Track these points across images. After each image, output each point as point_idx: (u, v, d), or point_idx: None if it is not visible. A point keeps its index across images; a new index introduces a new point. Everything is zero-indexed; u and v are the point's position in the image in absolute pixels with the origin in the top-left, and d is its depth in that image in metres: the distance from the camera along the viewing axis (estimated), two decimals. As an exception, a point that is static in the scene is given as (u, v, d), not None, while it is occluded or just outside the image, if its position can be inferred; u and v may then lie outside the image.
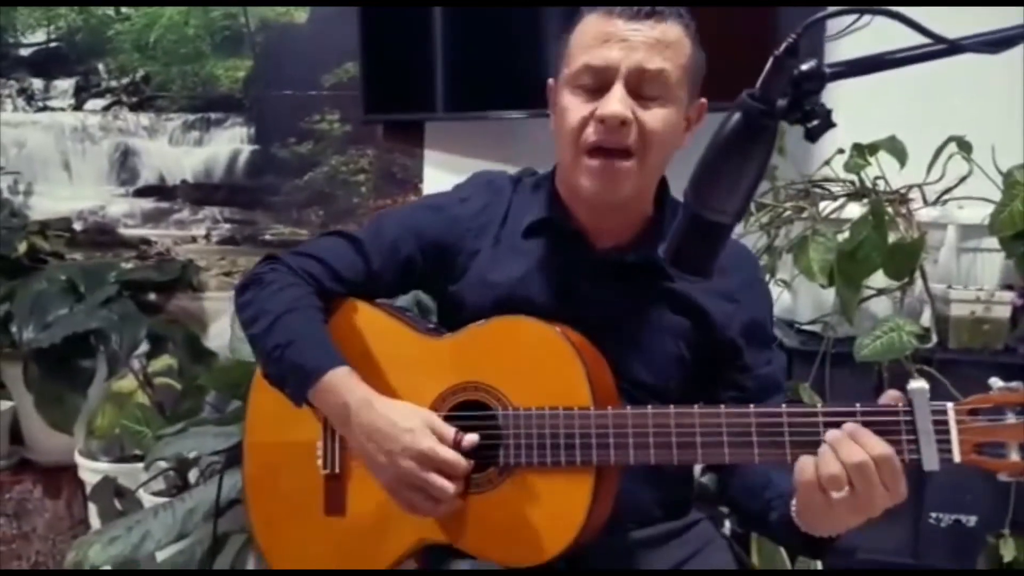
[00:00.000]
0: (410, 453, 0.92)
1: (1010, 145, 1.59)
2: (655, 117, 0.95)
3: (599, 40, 0.95)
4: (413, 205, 1.18)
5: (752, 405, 0.88)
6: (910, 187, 1.60)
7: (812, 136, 0.69)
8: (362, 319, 1.08)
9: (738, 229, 1.69)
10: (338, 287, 1.08)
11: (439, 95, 2.08)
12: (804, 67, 0.68)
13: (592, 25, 0.97)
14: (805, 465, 0.80)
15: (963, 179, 1.57)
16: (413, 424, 0.94)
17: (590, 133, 0.96)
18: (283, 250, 1.13)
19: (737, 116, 0.70)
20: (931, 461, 0.79)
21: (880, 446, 0.78)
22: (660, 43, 0.94)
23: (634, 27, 0.94)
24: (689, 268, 0.79)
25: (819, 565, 1.48)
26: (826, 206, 1.60)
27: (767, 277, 1.68)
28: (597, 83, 0.95)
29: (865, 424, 0.79)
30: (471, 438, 0.94)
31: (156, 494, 1.87)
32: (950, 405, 0.79)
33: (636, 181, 0.98)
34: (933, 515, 1.55)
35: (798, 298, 1.72)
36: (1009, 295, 1.53)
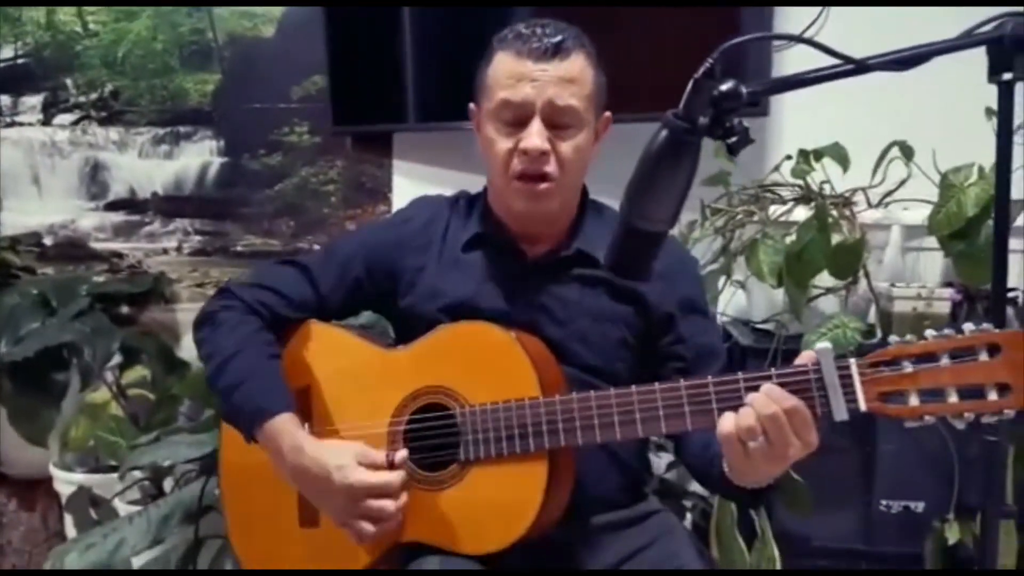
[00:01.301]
0: (343, 489, 1.00)
1: (951, 148, 1.66)
2: (569, 146, 1.08)
3: (513, 79, 1.06)
4: (359, 230, 1.29)
5: (682, 380, 0.95)
6: (854, 190, 1.68)
7: (732, 151, 0.75)
8: (321, 339, 1.15)
9: (695, 232, 1.79)
10: (291, 313, 1.15)
11: (410, 106, 2.13)
12: (723, 88, 0.74)
13: (505, 64, 1.07)
14: (726, 419, 0.88)
15: (903, 182, 1.65)
16: (343, 461, 1.01)
17: (516, 163, 1.07)
18: (259, 262, 1.18)
19: (663, 134, 0.76)
20: (840, 411, 0.86)
21: (789, 399, 0.85)
22: (566, 80, 1.05)
23: (542, 67, 1.05)
24: (629, 274, 0.86)
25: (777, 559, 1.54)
26: (775, 210, 1.67)
27: (723, 278, 1.76)
28: (516, 118, 1.07)
29: (780, 384, 0.87)
30: (401, 454, 1.02)
31: (132, 503, 1.89)
32: (853, 360, 0.87)
33: (559, 198, 1.11)
34: (883, 502, 1.62)
35: (752, 298, 1.80)
36: (948, 292, 1.61)
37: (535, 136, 1.04)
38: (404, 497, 1.01)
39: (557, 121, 1.06)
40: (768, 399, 0.85)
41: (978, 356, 0.83)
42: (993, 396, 0.82)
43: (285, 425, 1.04)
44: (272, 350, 1.11)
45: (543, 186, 1.07)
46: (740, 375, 0.90)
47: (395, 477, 1.00)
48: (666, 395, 0.95)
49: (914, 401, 0.84)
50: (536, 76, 1.04)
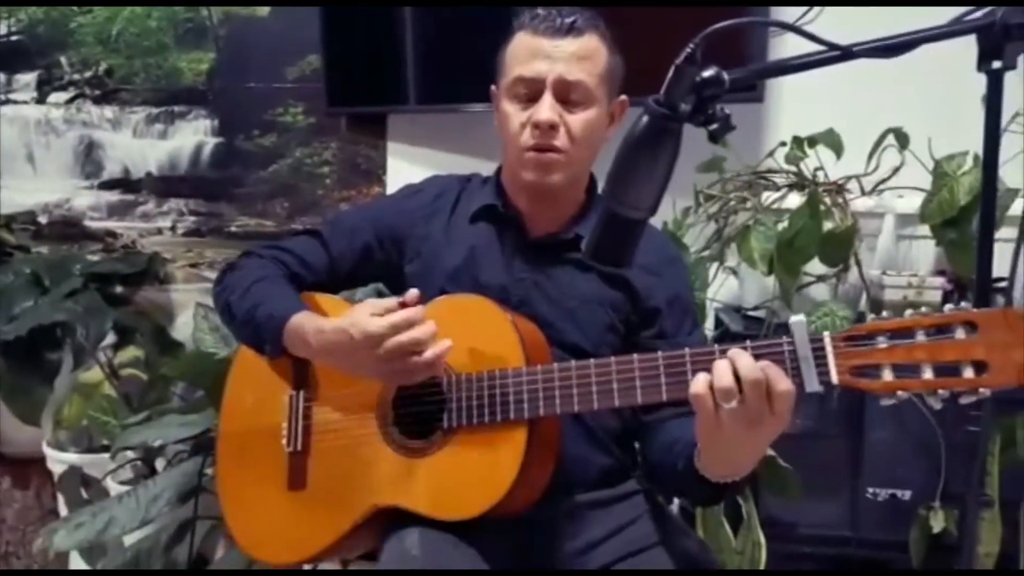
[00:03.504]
0: (366, 341, 0.98)
1: (947, 136, 1.65)
2: (579, 120, 1.11)
3: (528, 55, 1.11)
4: (370, 200, 1.30)
5: (660, 352, 0.96)
6: (848, 178, 1.67)
7: (714, 137, 0.75)
8: (321, 308, 1.17)
9: (689, 218, 1.78)
10: (305, 273, 1.21)
11: (409, 88, 2.12)
12: (704, 74, 0.73)
13: (522, 42, 1.12)
14: (699, 379, 0.86)
15: (896, 170, 1.64)
16: (355, 317, 1.01)
17: (527, 136, 1.11)
18: (254, 243, 1.25)
19: (644, 120, 0.75)
20: (811, 383, 0.85)
21: (783, 381, 0.83)
22: (579, 56, 1.09)
23: (556, 43, 1.09)
24: (608, 260, 0.85)
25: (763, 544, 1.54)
26: (768, 196, 1.67)
27: (716, 264, 1.75)
28: (529, 92, 1.11)
29: (754, 355, 0.86)
30: (412, 293, 1.05)
31: (125, 483, 1.91)
32: (827, 333, 0.86)
33: (566, 171, 1.13)
34: (870, 490, 1.63)
35: (744, 285, 1.79)
36: (939, 280, 1.60)
37: (546, 109, 1.08)
38: (431, 324, 0.99)
39: (568, 96, 1.09)
40: (757, 367, 0.84)
41: (955, 333, 0.81)
42: (969, 374, 0.80)
43: (306, 316, 1.08)
44: (290, 286, 1.17)
45: (552, 156, 1.10)
46: (716, 346, 0.90)
47: (413, 312, 0.99)
48: (643, 365, 0.96)
49: (888, 376, 0.83)
50: (549, 52, 1.09)
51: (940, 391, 0.81)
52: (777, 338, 0.88)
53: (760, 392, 0.83)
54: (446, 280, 1.15)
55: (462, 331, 1.06)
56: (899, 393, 0.83)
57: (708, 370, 0.86)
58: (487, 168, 1.29)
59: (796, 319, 0.87)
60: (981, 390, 0.81)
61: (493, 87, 1.19)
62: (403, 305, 1.03)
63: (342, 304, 1.19)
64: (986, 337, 0.81)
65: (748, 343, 0.88)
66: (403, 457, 1.07)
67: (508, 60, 1.14)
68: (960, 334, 0.82)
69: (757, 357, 0.86)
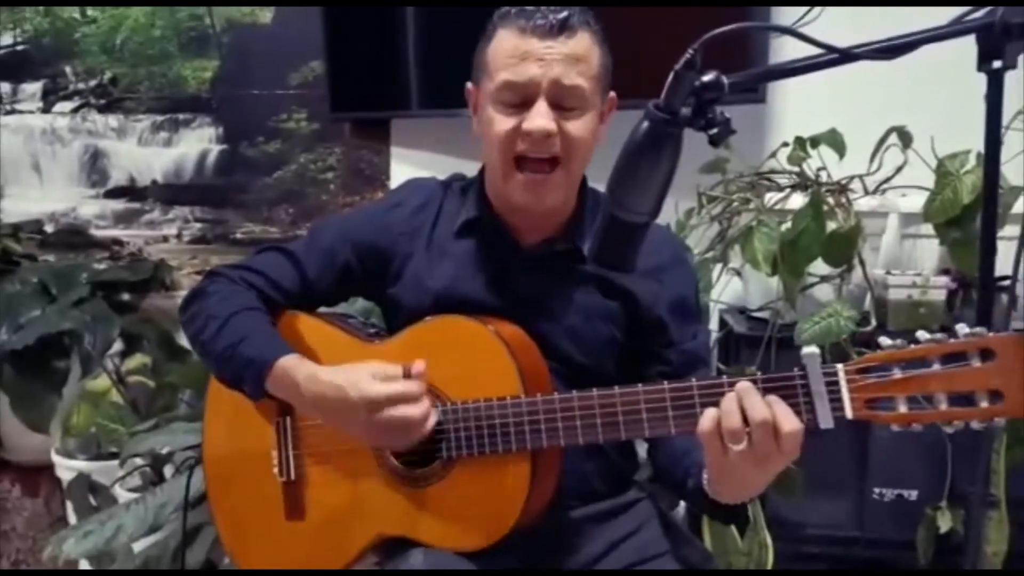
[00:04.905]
0: (364, 404, 0.96)
1: (950, 135, 1.64)
2: (576, 126, 1.02)
3: (517, 58, 1.00)
4: (347, 213, 1.23)
5: (667, 382, 0.93)
6: (851, 178, 1.67)
7: (714, 142, 0.75)
8: (303, 330, 1.13)
9: (692, 220, 1.78)
10: (278, 296, 1.13)
11: (412, 92, 2.12)
12: (704, 78, 0.73)
13: (508, 42, 1.02)
14: (707, 417, 0.85)
15: (899, 169, 1.64)
16: (357, 377, 0.97)
17: (519, 145, 1.02)
18: (225, 265, 1.16)
19: (644, 125, 0.76)
20: (825, 419, 0.84)
21: (791, 422, 0.83)
22: (573, 58, 1.00)
23: (548, 44, 0.99)
24: (612, 264, 0.86)
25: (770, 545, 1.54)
26: (771, 197, 1.67)
27: (719, 266, 1.75)
28: (519, 98, 1.01)
29: (765, 390, 0.84)
30: (419, 364, 0.98)
31: (133, 490, 1.91)
32: (840, 366, 0.84)
33: (564, 188, 1.06)
34: (877, 490, 1.63)
35: (748, 286, 1.79)
36: (944, 279, 1.60)
37: (540, 116, 0.99)
38: (427, 402, 0.97)
39: (563, 102, 1.00)
40: (764, 406, 0.83)
41: (970, 362, 0.80)
42: (984, 403, 0.79)
43: (295, 360, 1.02)
44: (267, 317, 1.09)
45: (548, 177, 1.02)
46: (724, 379, 0.89)
47: (413, 384, 0.96)
48: (649, 397, 0.92)
49: (903, 408, 0.82)
50: (542, 54, 0.99)
51: (956, 421, 0.81)
52: (788, 371, 0.86)
53: (767, 432, 0.82)
54: (432, 303, 1.07)
55: (450, 354, 1.03)
56: (914, 425, 0.82)
57: (716, 404, 0.85)
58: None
59: (809, 351, 0.85)
60: (996, 420, 0.80)
61: (470, 85, 1.09)
62: (407, 374, 0.99)
63: (324, 328, 1.13)
64: (1002, 364, 0.79)
65: (759, 375, 0.86)
66: (403, 486, 1.04)
67: (491, 62, 1.03)
68: (976, 362, 0.80)
69: (767, 391, 0.84)
